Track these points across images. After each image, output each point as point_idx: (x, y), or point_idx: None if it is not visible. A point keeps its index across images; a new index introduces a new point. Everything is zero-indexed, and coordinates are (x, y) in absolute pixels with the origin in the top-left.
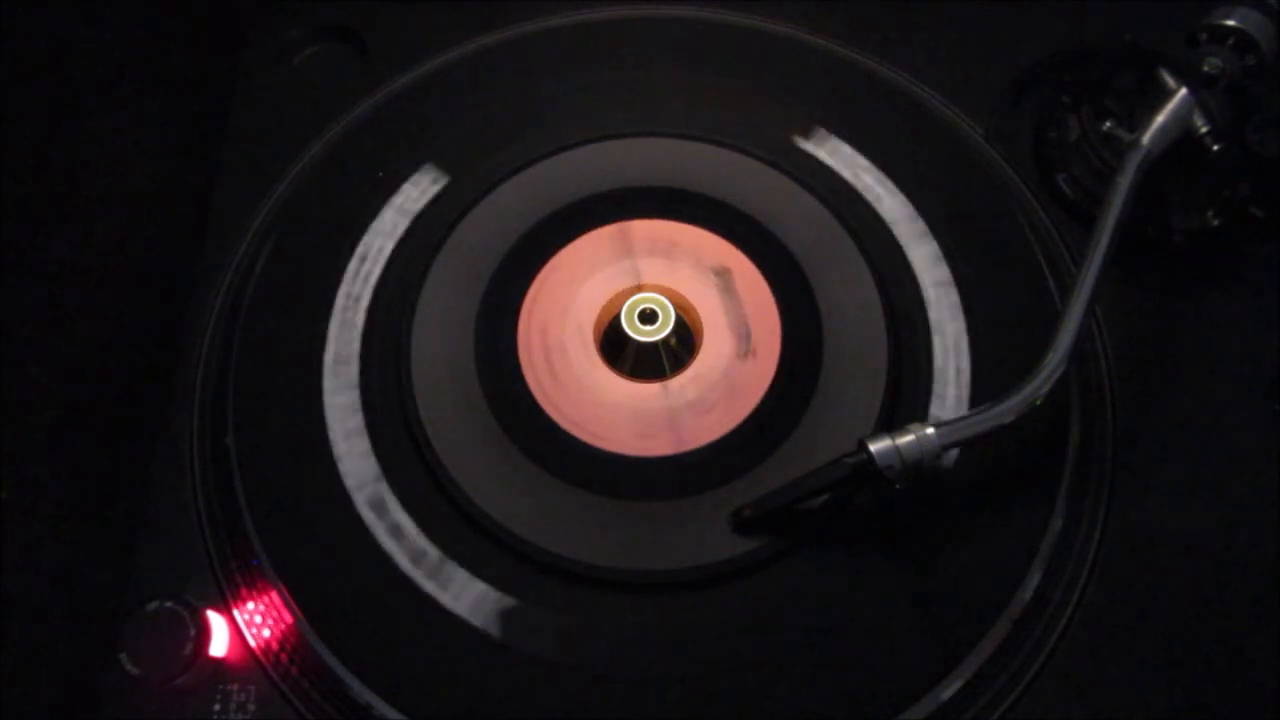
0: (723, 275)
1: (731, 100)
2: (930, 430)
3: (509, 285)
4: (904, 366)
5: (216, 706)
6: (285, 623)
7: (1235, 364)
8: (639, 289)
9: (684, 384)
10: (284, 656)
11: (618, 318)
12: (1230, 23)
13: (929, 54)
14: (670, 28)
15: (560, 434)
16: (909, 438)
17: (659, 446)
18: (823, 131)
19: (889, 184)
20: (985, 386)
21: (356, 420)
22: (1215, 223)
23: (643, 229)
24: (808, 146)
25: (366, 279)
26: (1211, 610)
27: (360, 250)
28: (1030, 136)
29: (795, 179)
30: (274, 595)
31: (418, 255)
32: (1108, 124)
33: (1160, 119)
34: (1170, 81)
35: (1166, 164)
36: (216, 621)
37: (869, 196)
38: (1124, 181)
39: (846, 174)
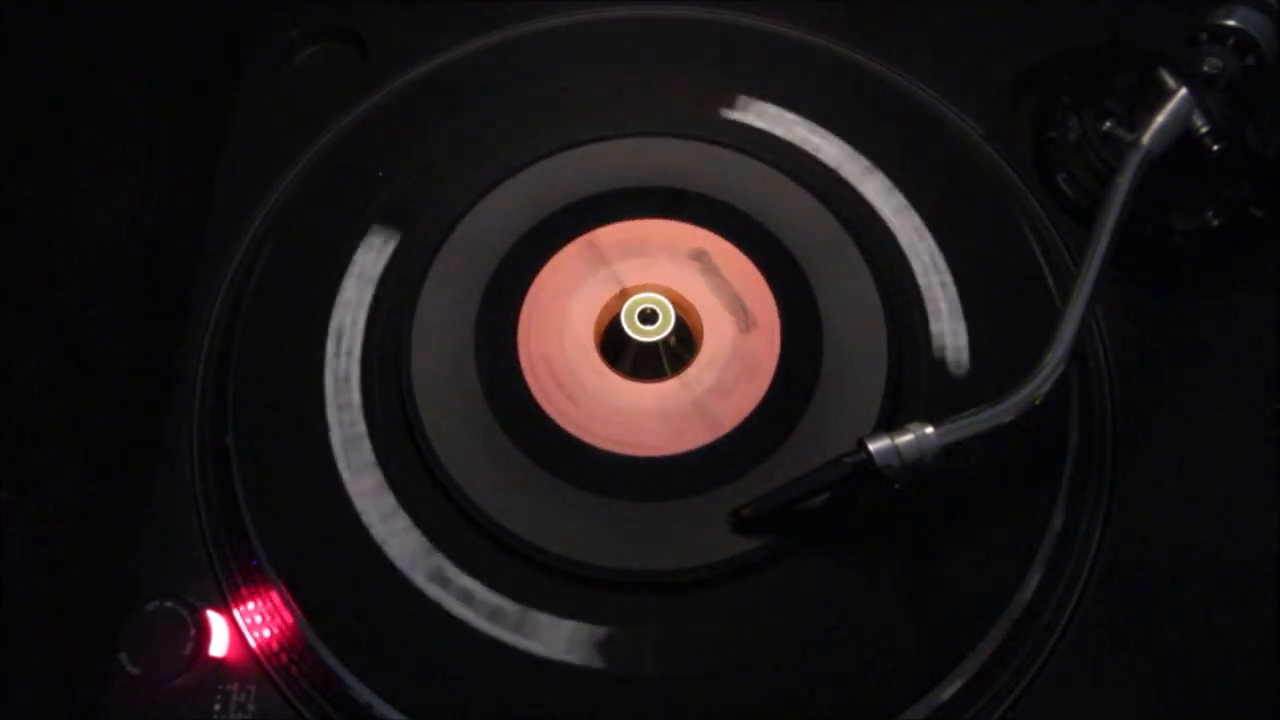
0: (700, 258)
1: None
2: (930, 429)
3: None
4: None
5: (216, 706)
6: (285, 623)
7: (1235, 364)
8: (639, 289)
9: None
10: (284, 656)
11: (618, 318)
12: (1230, 23)
13: (929, 54)
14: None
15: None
16: (908, 437)
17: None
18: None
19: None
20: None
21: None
22: (1215, 223)
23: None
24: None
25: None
26: (1211, 610)
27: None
28: (1030, 136)
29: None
30: (274, 595)
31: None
32: (1108, 124)
33: (1160, 119)
34: (1170, 81)
35: (1166, 164)
36: (216, 621)
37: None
38: (1124, 181)
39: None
